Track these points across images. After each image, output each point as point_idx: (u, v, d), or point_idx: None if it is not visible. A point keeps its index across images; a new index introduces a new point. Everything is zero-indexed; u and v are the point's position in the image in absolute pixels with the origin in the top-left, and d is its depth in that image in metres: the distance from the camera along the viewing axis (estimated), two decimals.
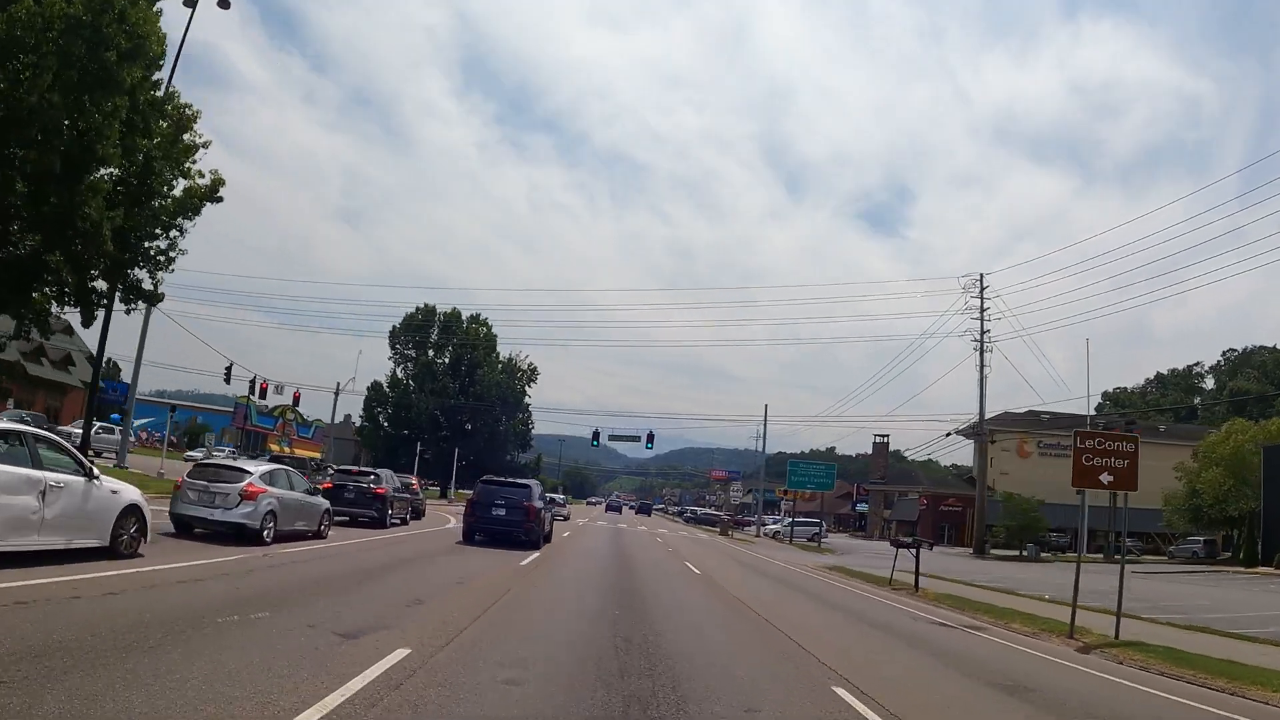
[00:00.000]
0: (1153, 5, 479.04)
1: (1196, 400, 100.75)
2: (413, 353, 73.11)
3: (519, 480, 22.55)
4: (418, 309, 73.49)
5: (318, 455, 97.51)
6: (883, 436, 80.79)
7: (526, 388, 74.63)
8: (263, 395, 45.70)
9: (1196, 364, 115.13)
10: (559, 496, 44.83)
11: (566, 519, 38.76)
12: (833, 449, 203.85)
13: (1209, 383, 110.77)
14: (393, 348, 73.45)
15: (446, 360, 73.16)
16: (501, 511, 19.04)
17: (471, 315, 74.13)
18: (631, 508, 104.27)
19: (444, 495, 74.03)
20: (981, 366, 48.35)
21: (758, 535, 49.92)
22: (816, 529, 52.52)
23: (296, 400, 52.84)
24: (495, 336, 74.72)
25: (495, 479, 21.78)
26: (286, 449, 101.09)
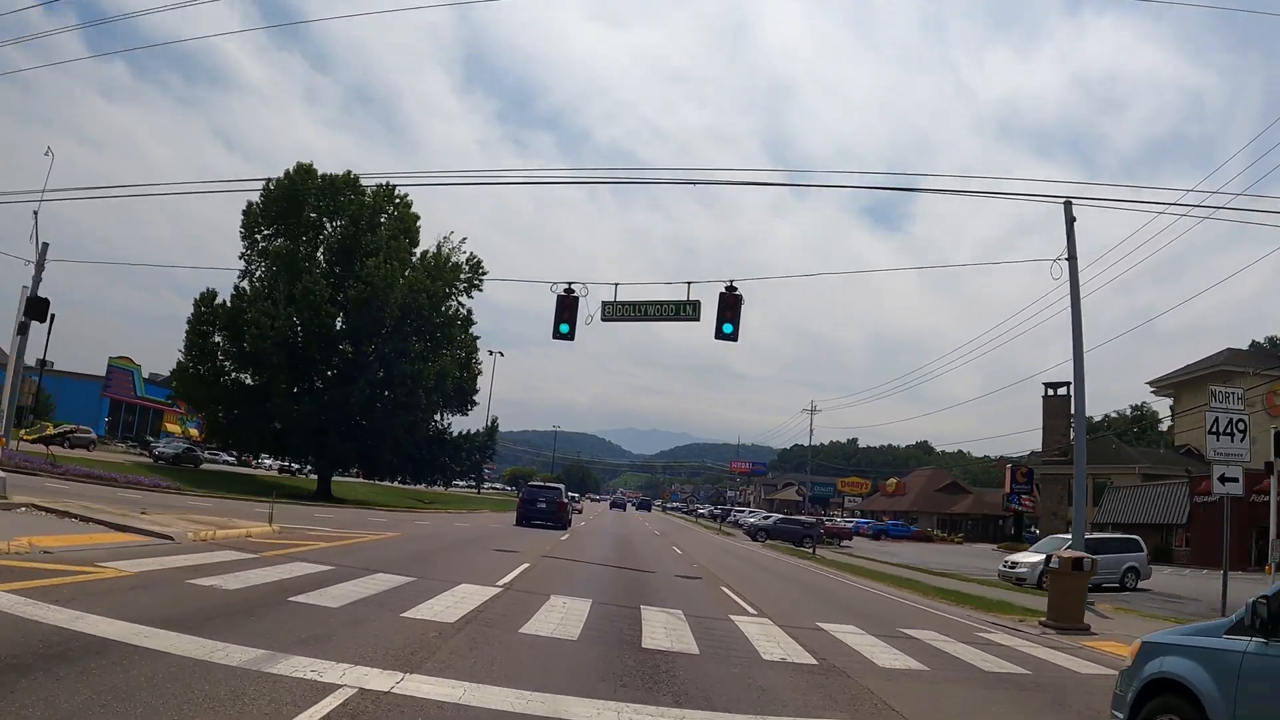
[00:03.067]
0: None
1: None
2: (282, 243, 41.89)
3: (553, 484, 37.10)
4: (286, 172, 41.87)
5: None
6: (1057, 389, 49.01)
7: (465, 299, 43.17)
8: None
9: None
10: (573, 494, 54.06)
11: (580, 512, 51.11)
12: (854, 440, 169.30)
13: None
14: (248, 237, 42.27)
15: (330, 256, 42.03)
16: (543, 506, 31.21)
17: (380, 184, 42.83)
18: (634, 504, 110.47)
19: (324, 492, 42.74)
20: None
21: (1034, 582, 18.38)
22: (1134, 558, 21.32)
23: None
24: (417, 218, 43.70)
25: (537, 483, 38.28)
26: (195, 432, 69.79)
